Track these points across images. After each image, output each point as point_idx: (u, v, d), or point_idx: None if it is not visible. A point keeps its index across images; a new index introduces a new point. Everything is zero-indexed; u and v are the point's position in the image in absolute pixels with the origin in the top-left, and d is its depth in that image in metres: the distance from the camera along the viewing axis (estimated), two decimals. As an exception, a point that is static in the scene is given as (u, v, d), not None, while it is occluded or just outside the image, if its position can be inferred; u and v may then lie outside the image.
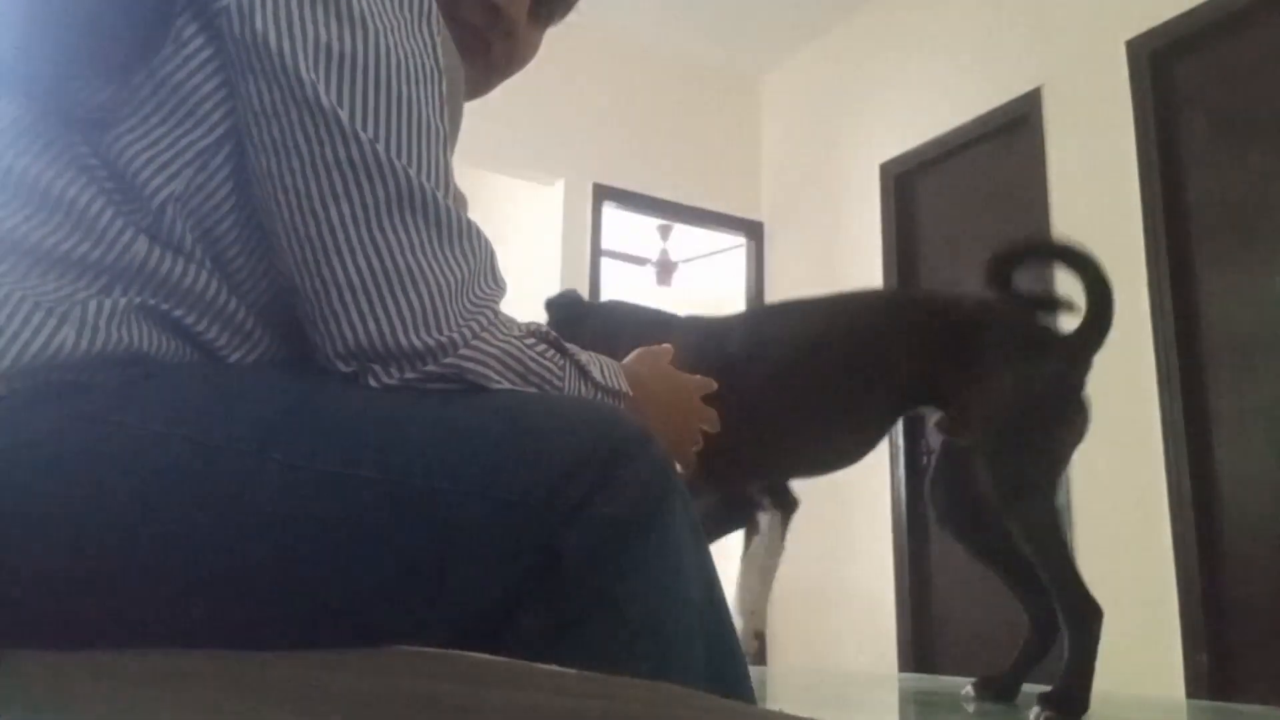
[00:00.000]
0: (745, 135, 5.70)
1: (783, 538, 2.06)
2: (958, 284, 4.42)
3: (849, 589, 4.67)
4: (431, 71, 0.60)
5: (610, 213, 5.33)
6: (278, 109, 0.56)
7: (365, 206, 0.56)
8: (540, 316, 5.56)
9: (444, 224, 0.59)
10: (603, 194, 5.19)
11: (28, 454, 0.51)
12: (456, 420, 0.56)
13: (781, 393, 1.82)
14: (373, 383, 0.57)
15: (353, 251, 0.56)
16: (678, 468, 0.58)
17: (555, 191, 5.16)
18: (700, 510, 0.61)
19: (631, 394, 0.67)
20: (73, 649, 0.49)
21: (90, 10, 0.56)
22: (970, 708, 2.03)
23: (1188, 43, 3.57)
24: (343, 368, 0.57)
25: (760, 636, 2.02)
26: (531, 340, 0.63)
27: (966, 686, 2.04)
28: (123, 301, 0.55)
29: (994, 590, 4.11)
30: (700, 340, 1.86)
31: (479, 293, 0.60)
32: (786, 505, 2.09)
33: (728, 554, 6.83)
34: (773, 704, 3.23)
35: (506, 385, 0.59)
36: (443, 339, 0.57)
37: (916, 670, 4.26)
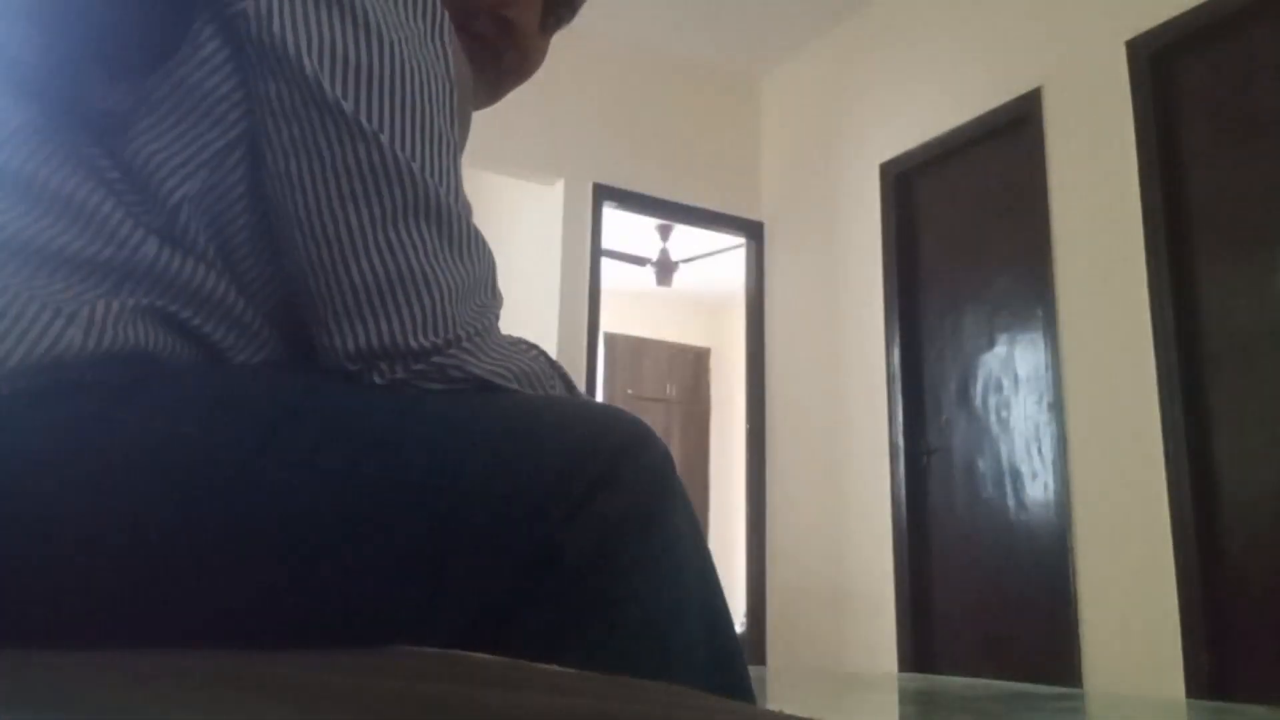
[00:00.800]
0: (745, 135, 5.71)
1: None
2: (958, 283, 4.43)
3: (849, 589, 4.67)
4: (444, 81, 0.61)
5: (610, 213, 5.33)
6: (298, 111, 0.56)
7: (384, 210, 0.57)
8: (540, 316, 5.56)
9: (455, 231, 0.60)
10: (603, 194, 5.19)
11: (29, 453, 0.52)
12: (457, 419, 0.56)
13: None
14: (376, 379, 0.57)
15: (368, 253, 0.56)
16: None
17: (555, 191, 5.17)
18: None
19: None
20: (73, 649, 0.49)
21: (109, 13, 0.57)
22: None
23: (1188, 43, 3.57)
24: (349, 367, 0.57)
25: None
26: (524, 345, 0.64)
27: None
28: (130, 302, 0.56)
29: (994, 590, 4.14)
30: None
31: (480, 300, 0.61)
32: None
33: (728, 553, 6.83)
34: (773, 704, 3.23)
35: (500, 383, 0.59)
36: (442, 340, 0.58)
37: (916, 670, 4.26)
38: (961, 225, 4.47)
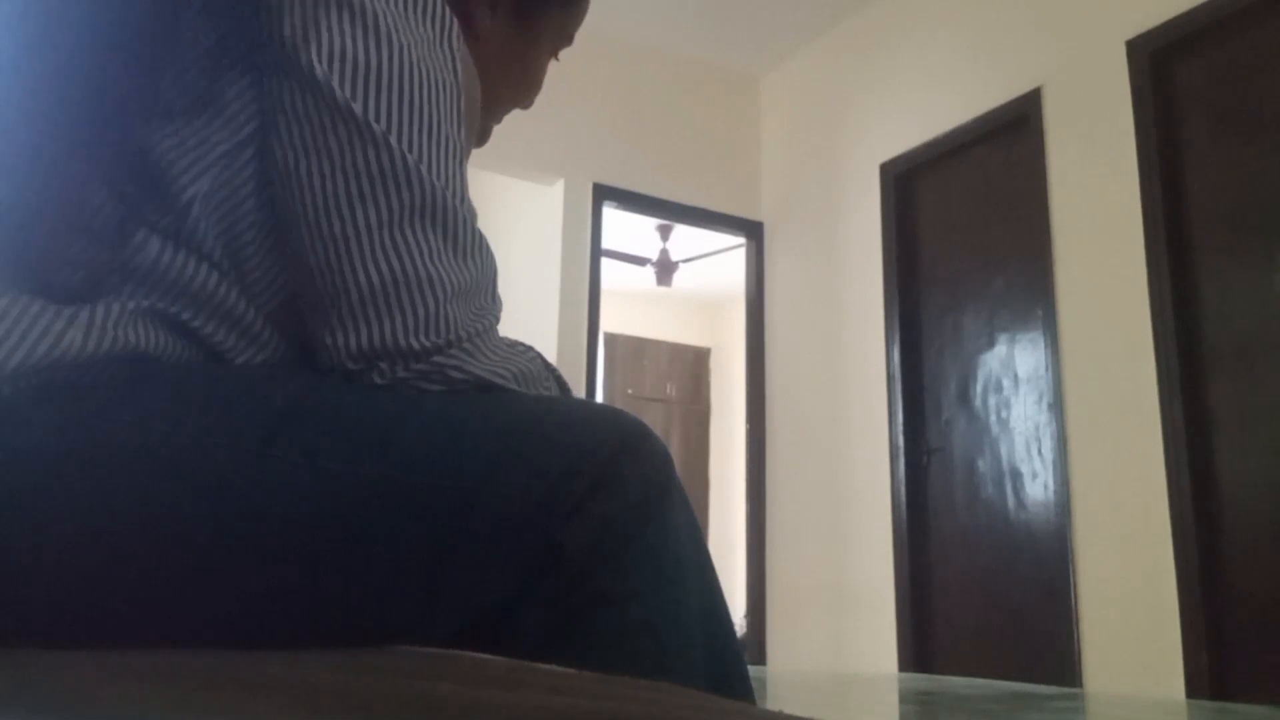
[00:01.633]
0: (745, 135, 5.71)
1: None
2: (958, 283, 4.43)
3: (849, 589, 4.67)
4: (451, 87, 0.62)
5: (610, 213, 5.33)
6: (309, 113, 0.57)
7: (392, 211, 0.58)
8: (540, 316, 5.56)
9: (459, 235, 0.60)
10: (603, 194, 5.19)
11: (29, 454, 0.52)
12: (458, 418, 0.56)
13: None
14: (377, 379, 0.58)
15: (374, 254, 0.57)
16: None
17: (555, 191, 5.17)
18: None
19: None
20: (73, 649, 0.49)
21: (157, 66, 0.58)
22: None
23: (1188, 43, 3.58)
24: (351, 366, 0.58)
25: None
26: (522, 347, 0.65)
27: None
28: (131, 305, 0.56)
29: (994, 590, 4.13)
30: None
31: (481, 303, 0.62)
32: None
33: (728, 553, 6.81)
34: (773, 704, 3.23)
35: (499, 383, 0.60)
36: (443, 340, 0.58)
37: (916, 670, 4.26)
38: (961, 225, 4.47)
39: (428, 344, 0.58)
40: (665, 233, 7.04)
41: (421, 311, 0.58)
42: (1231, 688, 3.15)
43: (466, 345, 0.59)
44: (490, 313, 0.63)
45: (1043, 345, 3.95)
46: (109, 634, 0.51)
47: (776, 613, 5.12)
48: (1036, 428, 3.97)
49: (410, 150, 0.58)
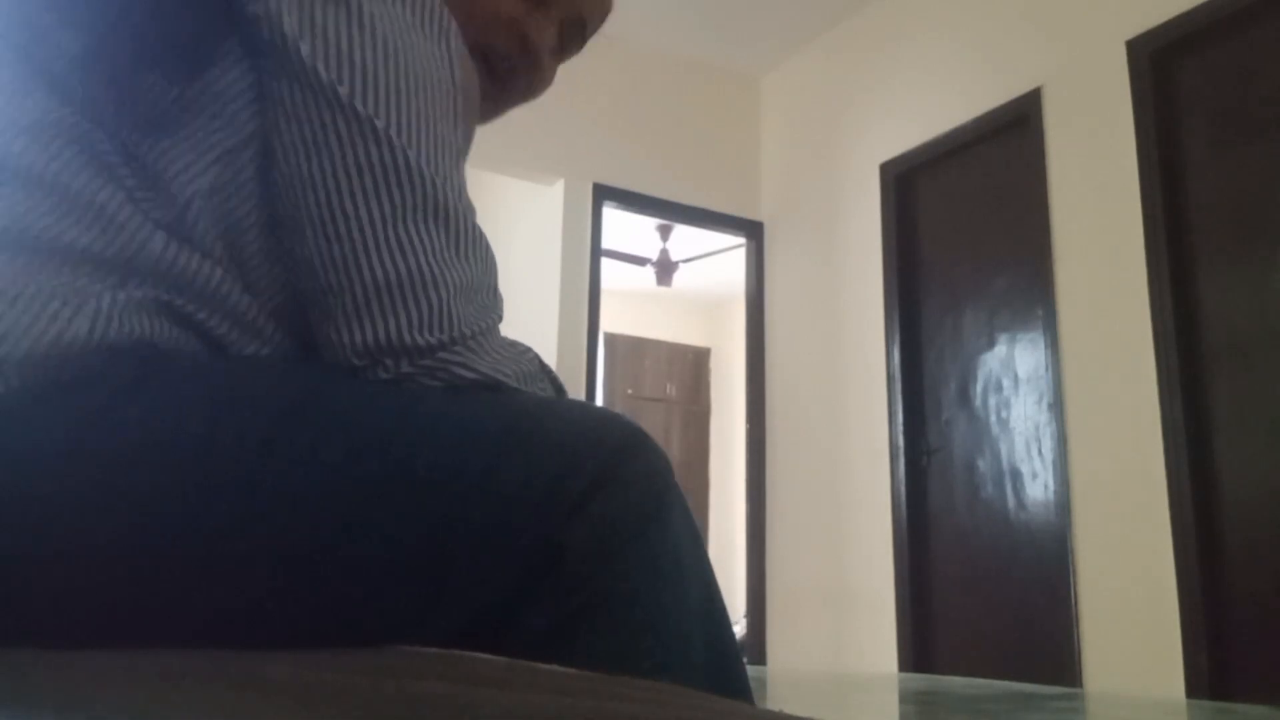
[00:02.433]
0: (745, 135, 5.71)
1: None
2: (958, 283, 4.43)
3: (849, 589, 4.67)
4: (448, 87, 0.62)
5: (610, 213, 5.33)
6: (310, 111, 0.58)
7: (395, 208, 0.58)
8: (540, 316, 5.56)
9: (461, 232, 0.61)
10: (603, 194, 5.19)
11: (36, 448, 0.52)
12: (459, 416, 0.57)
13: None
14: (382, 374, 0.58)
15: (379, 250, 0.57)
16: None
17: (555, 191, 5.17)
18: None
19: None
20: (73, 648, 0.49)
21: (153, 21, 0.58)
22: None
23: (1188, 43, 3.58)
24: (356, 362, 0.58)
25: None
26: (521, 347, 0.65)
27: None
28: (136, 295, 0.56)
29: (994, 590, 4.13)
30: None
31: (484, 300, 0.63)
32: None
33: (728, 553, 6.82)
34: (773, 704, 3.23)
35: (504, 382, 0.60)
36: (447, 337, 0.58)
37: (916, 670, 4.26)
38: (961, 225, 4.47)
39: (433, 340, 0.58)
40: (665, 233, 7.04)
41: (426, 308, 0.58)
42: (1231, 688, 3.15)
43: (471, 343, 0.59)
44: (494, 310, 0.64)
45: (1043, 345, 3.95)
46: (111, 633, 0.51)
47: (776, 613, 5.12)
48: (1036, 428, 3.97)
49: (410, 147, 0.58)
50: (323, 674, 0.43)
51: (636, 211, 5.55)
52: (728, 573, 8.11)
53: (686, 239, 7.04)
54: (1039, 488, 3.92)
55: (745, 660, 0.66)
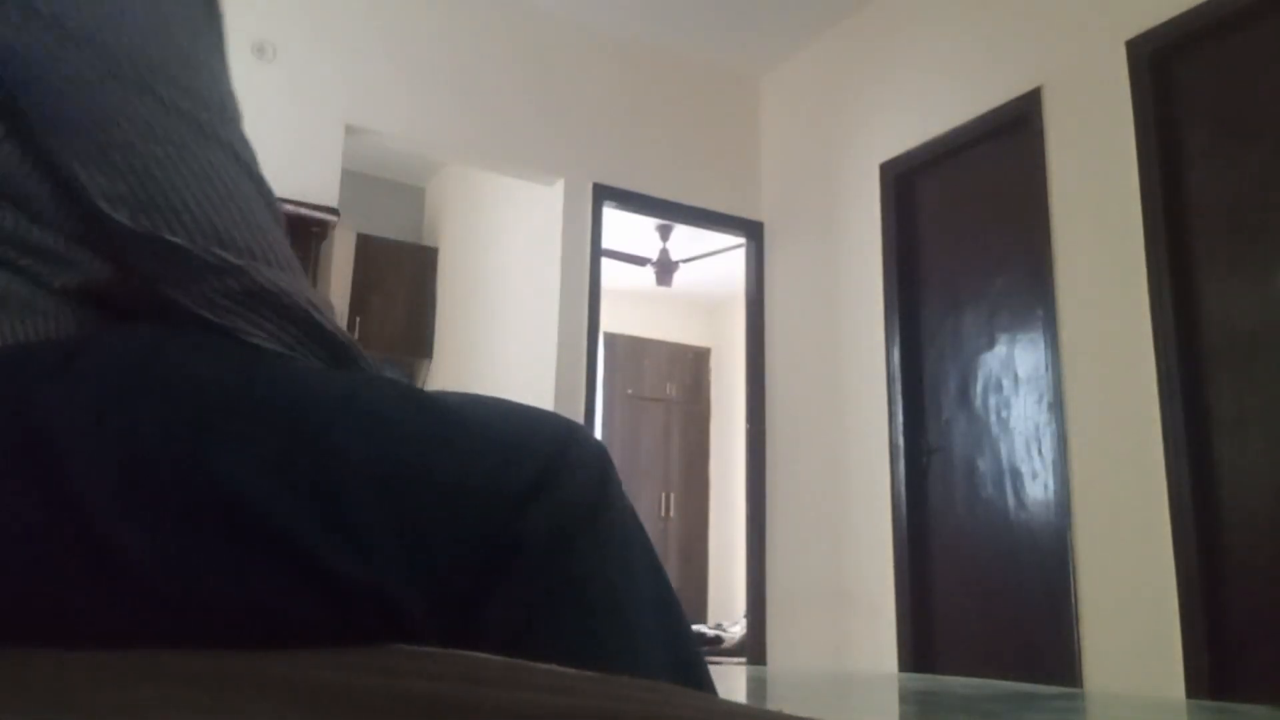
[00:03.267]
0: (745, 135, 5.71)
1: None
2: (958, 283, 4.43)
3: (849, 589, 4.67)
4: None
5: (610, 213, 5.33)
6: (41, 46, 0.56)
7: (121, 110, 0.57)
8: (540, 316, 5.56)
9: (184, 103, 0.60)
10: (603, 194, 5.19)
11: None
12: (399, 414, 0.56)
13: None
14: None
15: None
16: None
17: (555, 191, 5.17)
18: None
19: None
20: (73, 648, 0.49)
21: None
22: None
23: (1188, 43, 3.58)
24: (111, 215, 0.57)
25: None
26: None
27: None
28: None
29: (994, 590, 4.13)
30: None
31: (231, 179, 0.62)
32: None
33: (728, 553, 6.80)
34: (773, 704, 3.23)
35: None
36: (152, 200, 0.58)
37: (916, 670, 4.26)
38: (961, 225, 4.47)
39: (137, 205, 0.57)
40: (665, 233, 7.04)
41: (140, 167, 0.57)
42: (1231, 688, 3.15)
43: (194, 213, 0.58)
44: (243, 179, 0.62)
45: (1043, 345, 3.95)
46: (98, 640, 0.51)
47: (776, 613, 5.12)
48: (1036, 428, 3.97)
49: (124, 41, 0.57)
50: (323, 674, 0.43)
51: (636, 211, 5.55)
52: (728, 573, 8.11)
53: (686, 239, 7.04)
54: (1039, 488, 3.92)
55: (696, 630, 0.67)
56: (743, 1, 5.06)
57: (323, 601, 0.52)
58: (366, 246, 6.50)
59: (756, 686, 3.91)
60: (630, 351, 8.61)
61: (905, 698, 3.49)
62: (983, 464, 4.17)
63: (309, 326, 0.61)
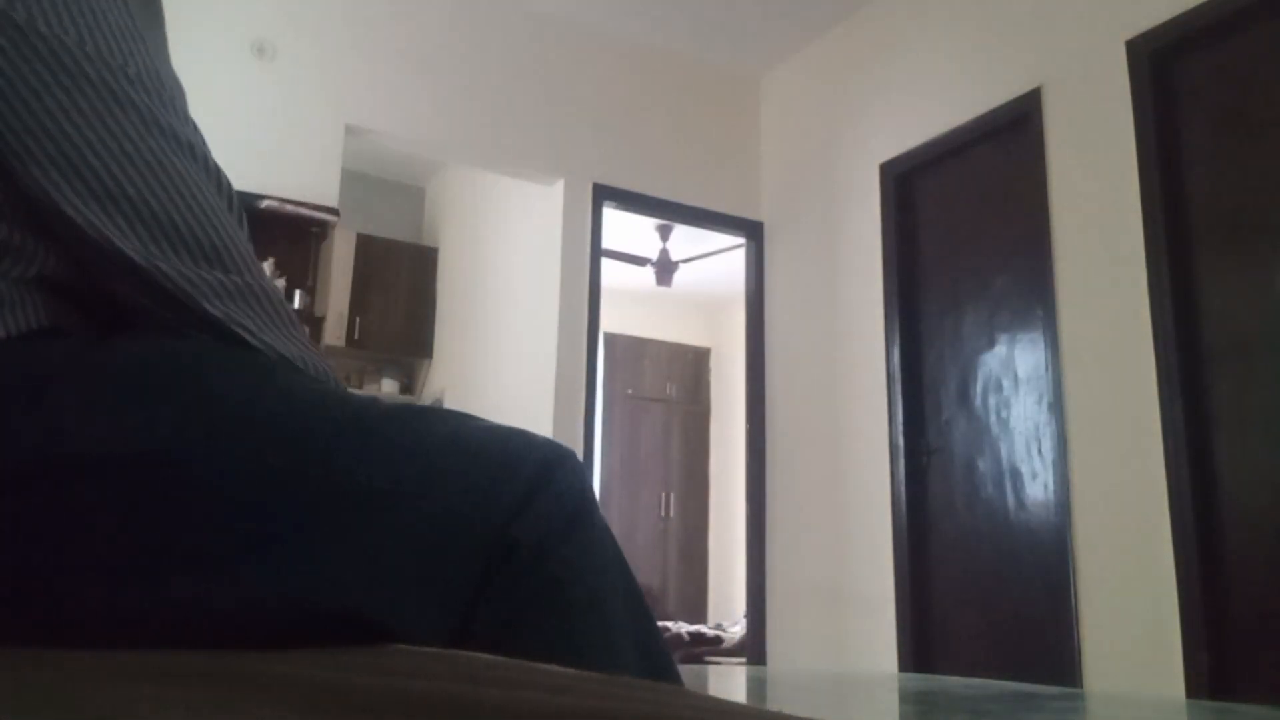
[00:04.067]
0: (745, 135, 5.71)
1: None
2: (958, 283, 4.43)
3: (849, 589, 4.67)
4: None
5: (610, 213, 5.33)
6: None
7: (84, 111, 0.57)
8: (540, 316, 5.55)
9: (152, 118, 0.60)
10: (603, 194, 5.19)
11: None
12: (400, 435, 0.58)
13: None
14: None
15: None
16: None
17: (555, 191, 5.17)
18: None
19: None
20: (73, 648, 0.49)
21: None
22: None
23: (1188, 43, 3.58)
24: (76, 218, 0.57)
25: None
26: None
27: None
28: None
29: (994, 590, 4.13)
30: None
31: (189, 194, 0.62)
32: None
33: (728, 553, 6.79)
34: (773, 704, 3.23)
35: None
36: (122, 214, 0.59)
37: (916, 670, 4.26)
38: (961, 225, 4.47)
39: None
40: (665, 233, 7.04)
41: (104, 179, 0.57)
42: (1231, 688, 3.15)
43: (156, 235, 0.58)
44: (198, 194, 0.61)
45: (1043, 345, 3.95)
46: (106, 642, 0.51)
47: (776, 613, 5.12)
48: (1036, 428, 3.97)
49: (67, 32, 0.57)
50: (323, 674, 0.43)
51: (636, 211, 5.55)
52: (728, 573, 8.11)
53: (686, 239, 7.04)
54: (1039, 488, 3.92)
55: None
56: (743, 1, 5.06)
57: (320, 617, 0.52)
58: (366, 246, 6.50)
59: (756, 686, 3.91)
60: (630, 351, 8.61)
61: (905, 698, 3.49)
62: (983, 464, 4.17)
63: (219, 330, 0.60)
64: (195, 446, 0.53)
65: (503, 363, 5.55)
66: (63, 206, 0.56)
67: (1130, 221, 3.63)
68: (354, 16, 4.79)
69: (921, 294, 4.59)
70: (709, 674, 4.79)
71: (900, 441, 4.47)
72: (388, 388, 6.70)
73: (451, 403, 6.19)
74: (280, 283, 4.49)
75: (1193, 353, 3.42)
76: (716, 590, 8.38)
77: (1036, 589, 3.85)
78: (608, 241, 5.54)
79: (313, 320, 5.05)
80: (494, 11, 5.09)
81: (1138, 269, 3.58)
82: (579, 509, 0.59)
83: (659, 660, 0.62)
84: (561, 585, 0.57)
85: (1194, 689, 3.21)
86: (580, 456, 5.26)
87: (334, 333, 6.16)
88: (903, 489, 4.43)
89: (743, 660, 5.42)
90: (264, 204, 4.41)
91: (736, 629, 6.69)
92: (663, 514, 8.46)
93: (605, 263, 5.41)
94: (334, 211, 4.70)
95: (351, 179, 5.39)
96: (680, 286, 7.87)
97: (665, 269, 7.17)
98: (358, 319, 6.36)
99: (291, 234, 4.70)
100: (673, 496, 8.53)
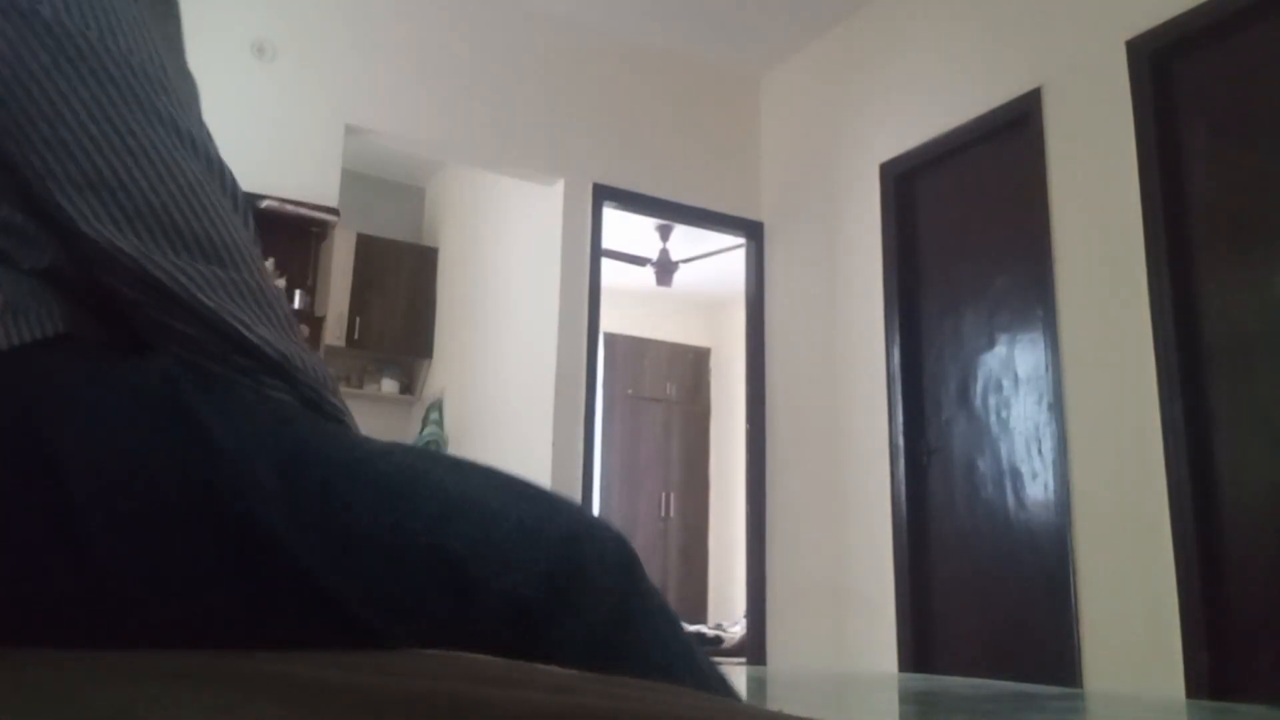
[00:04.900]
0: (745, 135, 5.71)
1: None
2: (958, 283, 4.43)
3: (849, 589, 4.67)
4: None
5: (610, 213, 5.33)
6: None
7: (105, 108, 0.57)
8: (540, 316, 5.54)
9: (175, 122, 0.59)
10: (603, 194, 5.19)
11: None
12: (411, 488, 0.56)
13: None
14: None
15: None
16: None
17: (555, 191, 5.17)
18: None
19: None
20: (73, 649, 0.49)
21: None
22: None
23: (1188, 43, 3.58)
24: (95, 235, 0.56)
25: None
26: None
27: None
28: None
29: (994, 590, 4.13)
30: None
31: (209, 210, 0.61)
32: None
33: (728, 553, 6.78)
34: (773, 704, 3.23)
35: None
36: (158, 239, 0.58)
37: (916, 670, 4.26)
38: (961, 225, 4.47)
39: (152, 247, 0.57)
40: (665, 233, 7.04)
41: (142, 201, 0.57)
42: (1231, 688, 3.15)
43: (193, 271, 0.58)
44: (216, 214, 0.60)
45: (1043, 345, 3.95)
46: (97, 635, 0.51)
47: (776, 612, 5.12)
48: (1036, 428, 3.97)
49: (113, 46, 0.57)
50: (323, 674, 0.43)
51: (636, 211, 5.55)
52: (728, 573, 8.11)
53: (686, 239, 7.04)
54: (1039, 488, 3.92)
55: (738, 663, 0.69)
56: (743, 1, 5.06)
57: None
58: (366, 246, 6.50)
59: (756, 686, 3.91)
60: (630, 351, 8.61)
61: (905, 698, 3.49)
62: (983, 464, 4.17)
63: (236, 340, 0.59)
64: (193, 481, 0.53)
65: (503, 363, 5.55)
66: (57, 196, 0.56)
67: (1130, 222, 3.63)
68: (354, 16, 4.79)
69: (921, 294, 4.59)
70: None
71: (900, 441, 4.47)
72: (388, 387, 6.70)
73: (451, 402, 6.19)
74: (280, 283, 4.49)
75: (1193, 353, 3.42)
76: (716, 590, 8.38)
77: (1036, 589, 3.85)
78: (608, 241, 5.54)
79: (313, 320, 5.05)
80: (494, 11, 5.09)
81: (1138, 269, 3.58)
82: (625, 590, 0.56)
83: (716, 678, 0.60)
84: (639, 601, 0.55)
85: (1194, 689, 3.21)
86: (580, 456, 5.23)
87: (334, 333, 6.16)
88: (903, 489, 4.43)
89: (743, 660, 5.42)
90: (264, 204, 4.41)
91: (736, 629, 6.69)
92: (663, 514, 8.46)
93: (605, 263, 5.41)
94: (334, 211, 4.70)
95: (351, 179, 5.39)
96: (680, 286, 7.87)
97: (665, 269, 7.17)
98: (358, 319, 6.36)
99: (291, 234, 4.70)
100: (673, 496, 8.53)
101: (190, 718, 0.37)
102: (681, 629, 0.60)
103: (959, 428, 4.31)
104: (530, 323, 5.23)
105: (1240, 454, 3.27)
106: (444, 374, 6.46)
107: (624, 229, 6.58)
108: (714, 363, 8.98)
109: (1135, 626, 3.45)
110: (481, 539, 0.53)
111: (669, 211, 5.54)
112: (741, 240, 5.75)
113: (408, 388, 6.82)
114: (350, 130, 4.73)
